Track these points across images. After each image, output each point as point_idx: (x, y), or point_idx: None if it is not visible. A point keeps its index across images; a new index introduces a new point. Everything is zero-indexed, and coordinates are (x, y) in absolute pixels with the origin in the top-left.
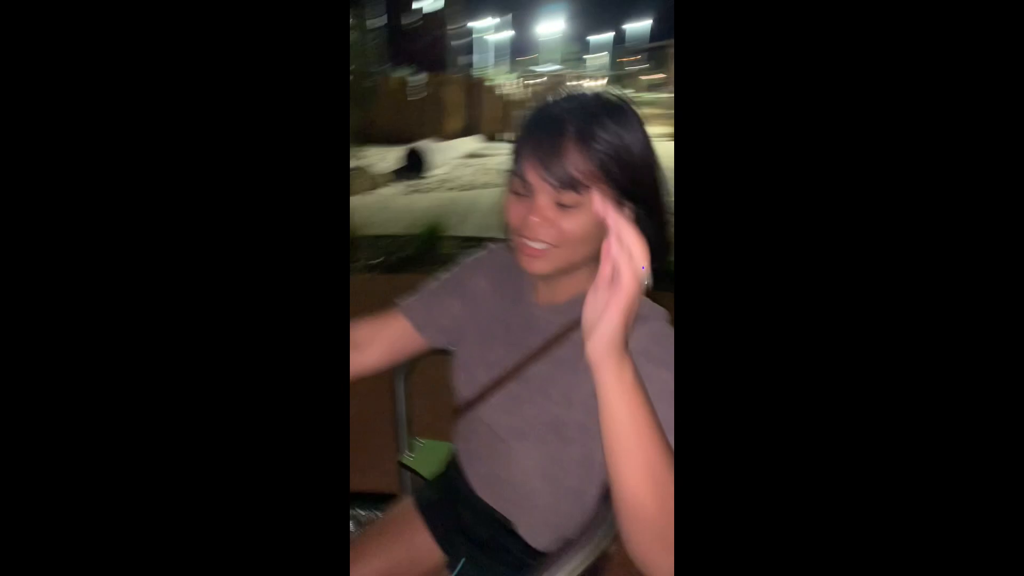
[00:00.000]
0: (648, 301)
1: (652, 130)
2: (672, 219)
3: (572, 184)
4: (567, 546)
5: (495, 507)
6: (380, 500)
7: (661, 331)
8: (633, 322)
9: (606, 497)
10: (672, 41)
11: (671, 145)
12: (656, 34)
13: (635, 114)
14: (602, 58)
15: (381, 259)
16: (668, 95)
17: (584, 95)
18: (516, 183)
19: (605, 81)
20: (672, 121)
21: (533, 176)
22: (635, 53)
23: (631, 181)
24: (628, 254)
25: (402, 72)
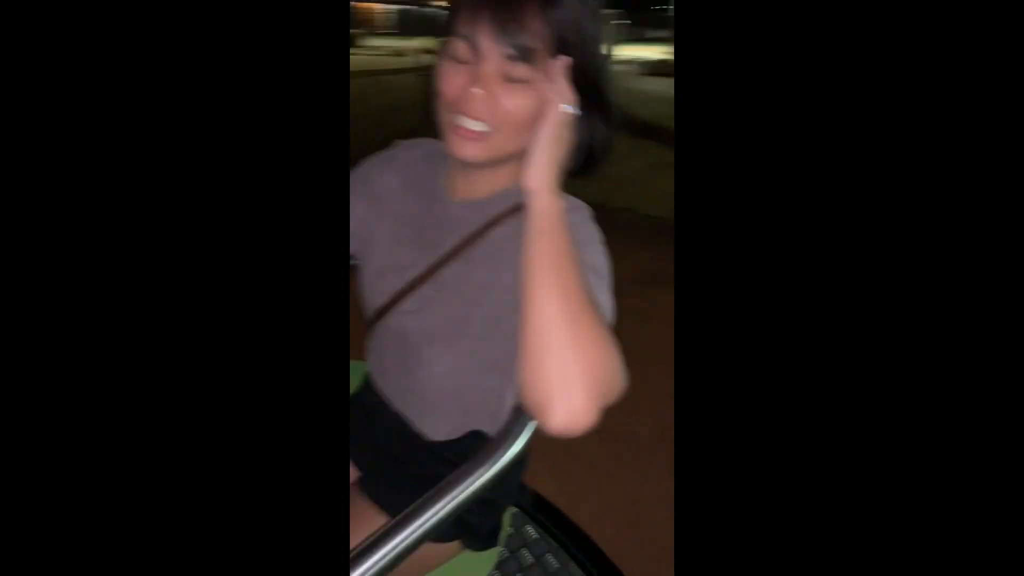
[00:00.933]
0: (571, 197)
1: None
2: (612, 117)
3: (529, 54)
4: (477, 457)
5: (409, 417)
6: None
7: (582, 221)
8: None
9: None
10: None
11: None
12: None
13: None
14: None
15: None
16: None
17: None
18: (460, 47)
19: None
20: None
21: (486, 40)
22: None
23: (579, 64)
24: (556, 92)
25: None
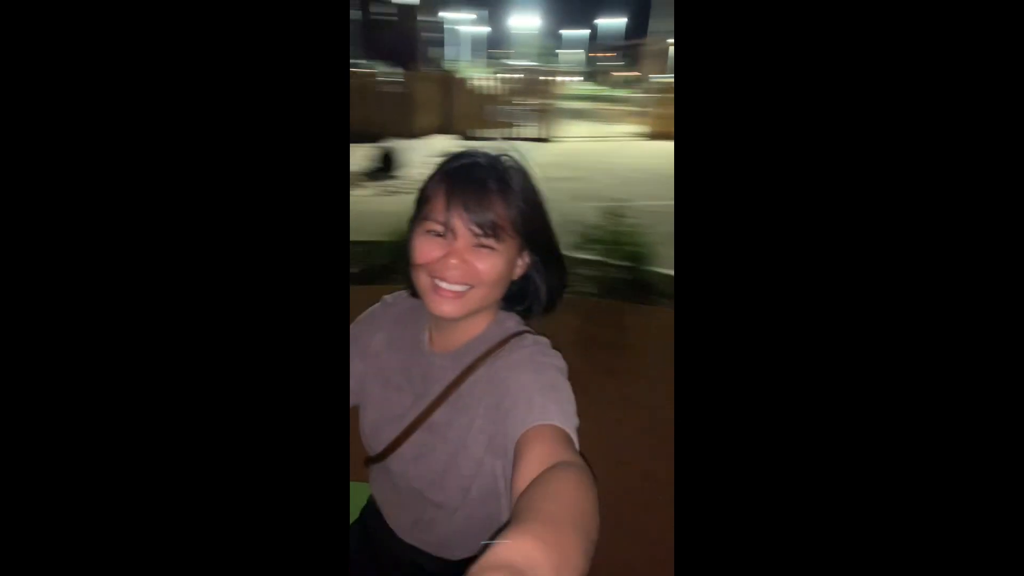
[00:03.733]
0: (528, 336)
1: (626, 128)
2: (563, 265)
3: (495, 230)
4: None
5: (426, 550)
6: None
7: (541, 343)
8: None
9: None
10: (646, 40)
11: (647, 144)
12: (631, 32)
13: (532, 176)
14: (577, 55)
15: (355, 270)
16: (642, 94)
17: (489, 155)
18: (434, 225)
19: (581, 77)
20: (645, 120)
21: (458, 220)
22: (610, 50)
23: (533, 232)
24: None
25: (372, 66)
